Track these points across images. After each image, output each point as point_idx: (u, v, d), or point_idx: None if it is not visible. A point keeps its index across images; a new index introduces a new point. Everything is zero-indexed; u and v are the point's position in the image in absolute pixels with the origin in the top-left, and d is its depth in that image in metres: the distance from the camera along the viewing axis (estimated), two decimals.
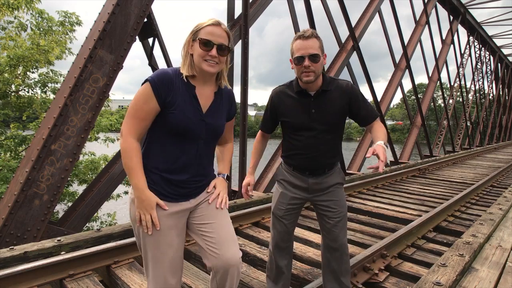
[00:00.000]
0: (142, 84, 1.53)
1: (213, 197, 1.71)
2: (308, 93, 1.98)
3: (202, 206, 1.69)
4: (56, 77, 8.54)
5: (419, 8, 16.87)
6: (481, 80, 24.82)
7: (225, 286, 1.63)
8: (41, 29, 8.24)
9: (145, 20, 4.75)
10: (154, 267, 1.58)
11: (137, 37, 4.84)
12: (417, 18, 14.45)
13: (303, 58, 1.86)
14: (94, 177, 7.76)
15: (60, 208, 8.57)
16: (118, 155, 5.30)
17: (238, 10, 6.76)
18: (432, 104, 17.15)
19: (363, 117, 2.01)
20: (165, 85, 1.51)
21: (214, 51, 1.54)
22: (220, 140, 1.87)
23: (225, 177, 1.83)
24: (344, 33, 9.45)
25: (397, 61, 12.68)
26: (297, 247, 3.25)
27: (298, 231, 3.71)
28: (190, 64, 1.57)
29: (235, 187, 6.62)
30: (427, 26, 14.39)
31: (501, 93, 28.30)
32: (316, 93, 1.96)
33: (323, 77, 1.98)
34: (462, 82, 20.47)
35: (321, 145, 2.00)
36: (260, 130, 2.24)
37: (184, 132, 1.57)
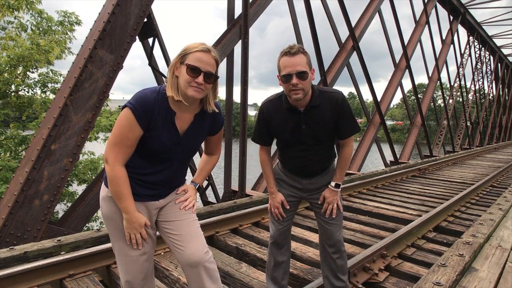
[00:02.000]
0: (122, 108, 1.52)
1: (181, 199, 1.74)
2: (297, 109, 1.95)
3: (169, 205, 1.73)
4: (56, 77, 8.55)
5: (419, 8, 16.86)
6: (481, 80, 24.82)
7: (192, 285, 1.66)
8: (41, 29, 8.25)
9: (145, 20, 4.75)
10: (124, 263, 1.66)
11: (137, 37, 4.84)
12: (417, 18, 14.44)
13: (291, 75, 1.81)
14: (94, 177, 7.77)
15: (60, 208, 8.58)
16: None
17: (238, 10, 6.77)
18: (432, 104, 17.15)
19: (343, 131, 2.02)
20: (146, 112, 1.51)
21: (200, 78, 1.51)
22: (207, 150, 1.89)
23: (197, 187, 1.85)
24: (344, 33, 9.46)
25: (397, 61, 12.67)
26: (297, 247, 3.25)
27: (298, 231, 3.71)
28: (177, 87, 1.55)
29: (235, 187, 6.61)
30: (427, 26, 14.38)
31: (501, 93, 28.28)
32: (305, 109, 1.94)
33: (312, 91, 1.94)
34: (462, 82, 20.48)
35: (312, 156, 2.04)
36: (259, 145, 2.17)
37: (158, 154, 1.60)
